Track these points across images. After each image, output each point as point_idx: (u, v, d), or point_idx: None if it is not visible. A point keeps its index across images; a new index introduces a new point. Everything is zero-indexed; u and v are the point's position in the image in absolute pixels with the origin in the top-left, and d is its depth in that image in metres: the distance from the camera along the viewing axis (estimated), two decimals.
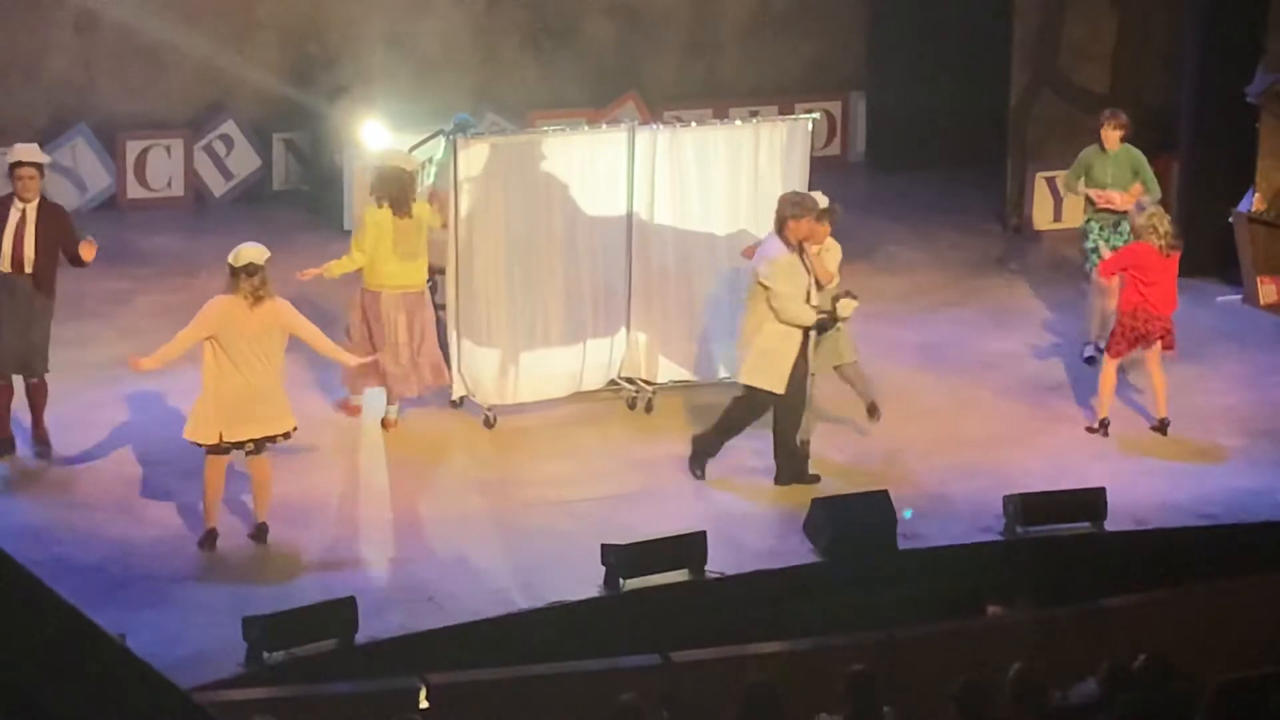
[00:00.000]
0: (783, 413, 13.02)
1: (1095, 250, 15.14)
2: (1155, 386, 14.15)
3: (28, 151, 13.11)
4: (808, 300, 12.87)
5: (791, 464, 13.08)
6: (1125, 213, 14.72)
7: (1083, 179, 15.35)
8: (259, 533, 12.13)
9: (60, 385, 13.72)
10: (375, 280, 13.63)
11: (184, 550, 12.01)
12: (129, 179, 18.86)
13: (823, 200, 13.37)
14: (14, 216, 12.83)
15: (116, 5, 18.70)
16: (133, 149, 18.85)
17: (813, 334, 12.94)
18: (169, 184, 19.01)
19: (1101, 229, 15.26)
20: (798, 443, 13.06)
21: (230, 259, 11.94)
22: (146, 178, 18.91)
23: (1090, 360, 15.23)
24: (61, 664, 4.53)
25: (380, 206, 13.60)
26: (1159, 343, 13.95)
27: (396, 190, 13.58)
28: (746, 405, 13.12)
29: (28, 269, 12.86)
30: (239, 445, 11.99)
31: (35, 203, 12.89)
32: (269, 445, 12.09)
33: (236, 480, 12.27)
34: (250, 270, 11.86)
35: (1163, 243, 13.81)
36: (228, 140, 19.22)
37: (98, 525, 12.27)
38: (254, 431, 11.97)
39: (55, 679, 4.50)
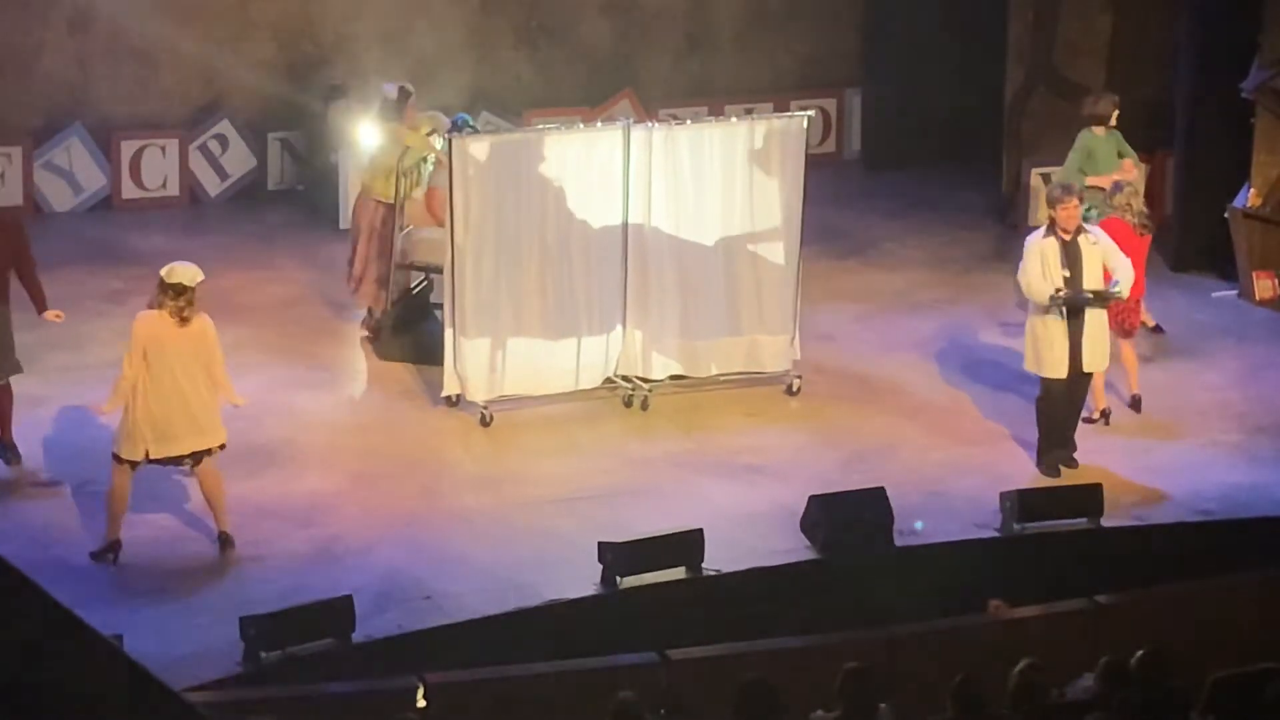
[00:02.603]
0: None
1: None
2: (1127, 365, 14.30)
3: None
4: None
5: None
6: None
7: (1081, 167, 15.52)
8: (223, 543, 12.00)
9: (55, 387, 13.73)
10: None
11: (181, 550, 12.01)
12: (124, 179, 18.81)
13: None
14: None
15: (111, 5, 18.67)
16: (128, 149, 18.81)
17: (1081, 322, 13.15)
18: (164, 184, 18.97)
19: (1099, 215, 15.34)
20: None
21: (162, 273, 11.74)
22: (141, 178, 18.87)
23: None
24: (54, 664, 4.53)
25: None
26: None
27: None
28: (1040, 395, 13.39)
29: None
30: (173, 461, 11.84)
31: None
32: (202, 459, 11.87)
33: (230, 483, 12.26)
34: (178, 290, 11.65)
35: (1135, 221, 14.11)
36: (223, 140, 19.19)
37: (94, 525, 12.24)
38: (182, 448, 11.77)
39: (48, 679, 4.49)
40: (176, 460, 11.88)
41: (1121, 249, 13.95)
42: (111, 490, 11.87)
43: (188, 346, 11.71)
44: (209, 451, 11.88)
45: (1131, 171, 15.53)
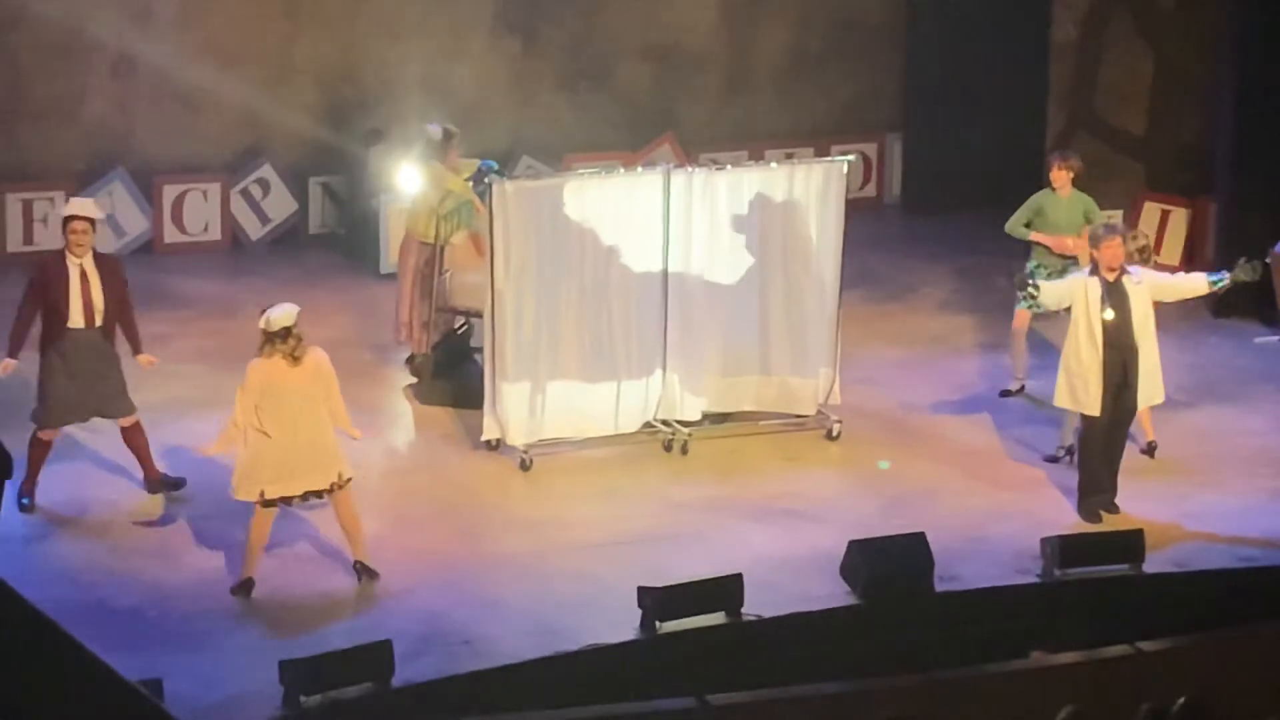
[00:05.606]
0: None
1: (1035, 300, 14.05)
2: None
3: (81, 205, 13.22)
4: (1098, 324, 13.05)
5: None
6: (1074, 258, 14.71)
7: (1031, 223, 15.26)
8: (359, 572, 12.16)
9: (100, 431, 13.75)
10: None
11: (221, 594, 12.02)
12: (166, 223, 18.92)
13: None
14: (74, 272, 12.84)
15: (154, 50, 18.80)
16: (170, 193, 18.92)
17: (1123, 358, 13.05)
18: (206, 228, 19.07)
19: (1049, 275, 14.90)
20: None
21: (262, 324, 11.87)
22: (183, 222, 18.97)
23: (1005, 393, 15.42)
24: (72, 702, 4.52)
25: None
26: None
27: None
28: (1081, 435, 13.39)
29: (98, 322, 12.91)
30: (289, 500, 12.00)
31: (89, 256, 12.93)
32: (324, 496, 12.04)
33: (275, 528, 12.27)
34: (284, 334, 11.83)
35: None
36: (264, 184, 19.29)
37: (136, 568, 12.29)
38: (303, 486, 11.93)
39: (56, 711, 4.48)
40: (291, 499, 12.00)
41: None
42: (250, 529, 12.02)
43: (304, 385, 11.84)
44: (329, 490, 11.98)
45: (1080, 241, 14.60)
